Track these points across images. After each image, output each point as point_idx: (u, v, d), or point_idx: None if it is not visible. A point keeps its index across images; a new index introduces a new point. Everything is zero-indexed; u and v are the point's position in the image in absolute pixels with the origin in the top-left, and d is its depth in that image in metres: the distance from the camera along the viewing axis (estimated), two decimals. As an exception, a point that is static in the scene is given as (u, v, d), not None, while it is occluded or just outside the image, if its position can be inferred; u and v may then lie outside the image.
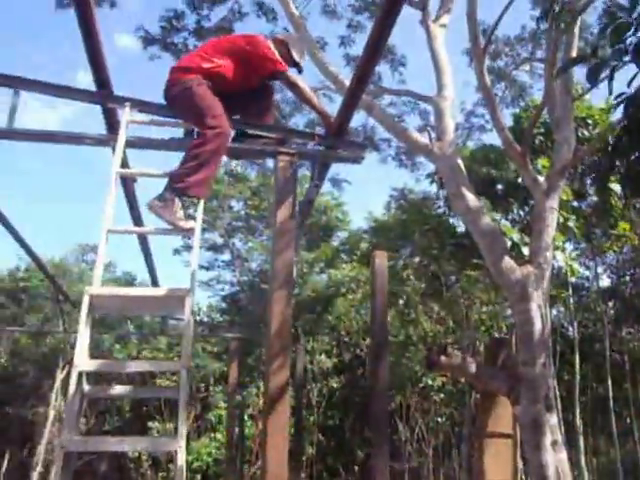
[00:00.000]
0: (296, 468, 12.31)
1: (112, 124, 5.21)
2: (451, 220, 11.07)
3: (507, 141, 6.88)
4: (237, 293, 23.09)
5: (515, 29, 12.63)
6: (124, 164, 5.03)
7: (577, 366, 10.90)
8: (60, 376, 18.00)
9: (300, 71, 5.43)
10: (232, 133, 4.86)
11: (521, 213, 9.99)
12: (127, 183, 6.19)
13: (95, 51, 4.60)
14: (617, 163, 5.01)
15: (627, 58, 3.58)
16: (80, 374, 3.83)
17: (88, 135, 5.06)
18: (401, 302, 14.72)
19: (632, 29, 3.58)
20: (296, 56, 5.32)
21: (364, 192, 33.50)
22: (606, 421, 12.11)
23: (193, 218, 4.49)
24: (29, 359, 20.44)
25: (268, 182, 19.13)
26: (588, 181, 10.32)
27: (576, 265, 11.17)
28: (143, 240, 8.07)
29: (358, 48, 11.71)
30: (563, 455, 5.79)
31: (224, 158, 5.27)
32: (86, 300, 3.93)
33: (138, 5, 34.41)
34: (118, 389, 7.00)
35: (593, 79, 3.75)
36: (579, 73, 7.70)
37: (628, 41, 3.60)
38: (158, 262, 9.23)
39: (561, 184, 6.83)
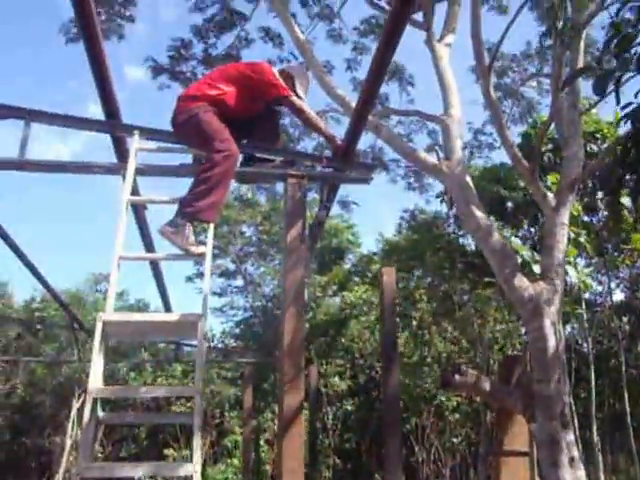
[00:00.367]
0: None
1: (122, 152, 5.28)
2: (461, 240, 11.06)
3: (516, 157, 6.87)
4: (250, 318, 23.10)
5: (521, 45, 12.63)
6: (134, 191, 5.07)
7: (593, 382, 10.80)
8: (76, 405, 18.02)
9: None
10: (240, 157, 4.90)
11: (532, 230, 9.97)
12: (138, 210, 6.26)
13: (104, 82, 4.70)
14: (627, 176, 4.99)
15: (632, 68, 3.56)
16: (95, 401, 3.84)
17: (98, 164, 5.12)
18: (414, 323, 14.69)
19: (638, 39, 3.56)
20: (299, 91, 5.37)
21: (375, 212, 33.55)
22: (624, 438, 11.98)
23: (204, 244, 4.52)
24: (45, 389, 20.48)
25: (278, 206, 19.19)
26: (598, 195, 10.28)
27: (589, 280, 11.10)
28: (155, 266, 8.12)
29: (364, 71, 11.80)
30: (581, 472, 5.72)
31: (234, 183, 5.32)
32: (99, 326, 3.96)
33: (146, 36, 34.66)
34: (133, 415, 7.01)
35: (599, 90, 3.74)
36: (586, 87, 7.69)
37: (633, 50, 3.59)
38: (171, 289, 9.30)
39: (571, 199, 6.80)
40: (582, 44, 7.57)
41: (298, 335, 4.61)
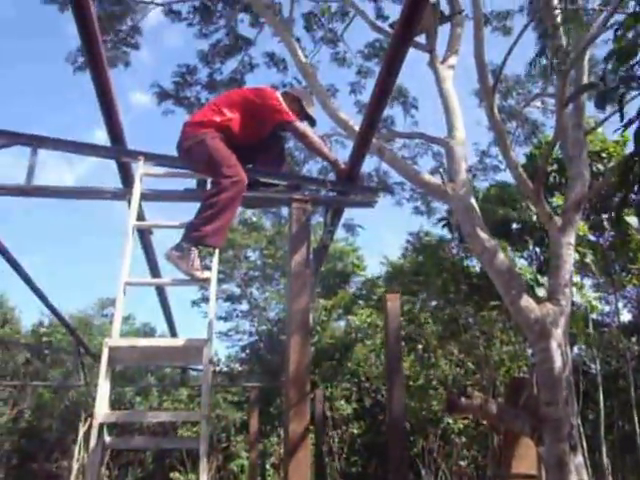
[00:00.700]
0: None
1: (127, 178, 5.30)
2: (466, 262, 11.04)
3: (520, 178, 6.88)
4: (256, 342, 23.05)
5: (525, 66, 12.69)
6: (140, 216, 5.09)
7: (601, 404, 10.73)
8: (83, 429, 18.00)
9: (313, 124, 5.51)
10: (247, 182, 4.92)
11: (537, 250, 9.94)
12: (144, 235, 6.28)
13: (110, 110, 4.74)
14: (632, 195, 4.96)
15: (635, 86, 3.54)
16: (101, 425, 3.83)
17: (104, 189, 5.13)
18: (420, 347, 14.64)
19: (638, 55, 3.53)
20: (309, 110, 5.40)
21: (380, 234, 33.53)
22: (635, 460, 11.87)
23: (209, 268, 4.52)
24: (52, 413, 20.48)
25: (283, 231, 19.22)
26: (604, 215, 10.25)
27: (595, 302, 11.04)
28: (161, 291, 8.12)
29: (369, 93, 11.84)
30: (591, 495, 5.68)
31: (239, 207, 5.33)
32: (105, 352, 3.95)
33: (151, 62, 34.96)
34: (139, 440, 6.99)
35: (602, 105, 3.74)
36: (590, 107, 7.70)
37: (636, 68, 3.58)
38: (177, 313, 9.30)
39: (576, 219, 6.80)
40: (586, 63, 7.61)
41: (303, 361, 4.58)
